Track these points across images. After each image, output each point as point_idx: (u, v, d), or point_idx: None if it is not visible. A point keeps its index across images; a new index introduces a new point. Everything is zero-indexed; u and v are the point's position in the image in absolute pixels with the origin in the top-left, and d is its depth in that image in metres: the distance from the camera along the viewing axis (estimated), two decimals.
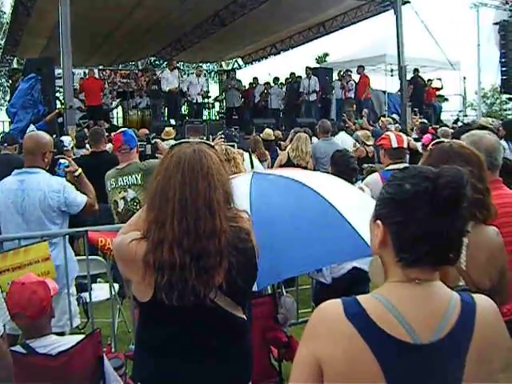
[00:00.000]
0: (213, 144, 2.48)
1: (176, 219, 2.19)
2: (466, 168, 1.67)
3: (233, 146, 4.68)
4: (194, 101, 18.22)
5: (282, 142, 11.67)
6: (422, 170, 1.63)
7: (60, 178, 4.87)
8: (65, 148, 8.19)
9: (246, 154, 6.19)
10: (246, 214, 2.43)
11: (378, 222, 1.67)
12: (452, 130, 10.85)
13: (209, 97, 20.14)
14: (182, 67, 27.80)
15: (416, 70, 19.09)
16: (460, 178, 1.56)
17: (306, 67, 19.29)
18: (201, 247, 2.19)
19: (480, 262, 2.46)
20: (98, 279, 6.16)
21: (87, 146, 9.43)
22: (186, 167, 2.23)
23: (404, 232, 1.60)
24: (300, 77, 19.45)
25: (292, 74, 20.02)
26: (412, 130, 13.37)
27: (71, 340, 3.19)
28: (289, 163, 8.55)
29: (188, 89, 18.19)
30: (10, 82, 19.15)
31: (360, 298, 1.63)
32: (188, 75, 24.85)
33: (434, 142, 2.97)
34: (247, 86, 21.14)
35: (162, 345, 2.33)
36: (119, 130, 5.99)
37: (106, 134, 11.86)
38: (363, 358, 1.54)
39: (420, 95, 18.95)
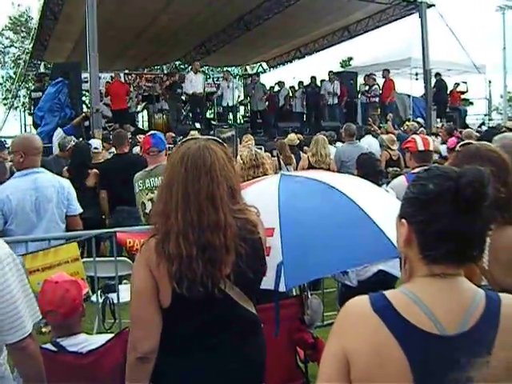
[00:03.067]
0: (221, 140, 2.51)
1: (180, 212, 2.26)
2: (488, 168, 1.68)
3: (260, 149, 4.68)
4: (226, 104, 18.56)
5: (306, 147, 11.62)
6: (444, 170, 1.67)
7: (63, 178, 5.30)
8: (96, 150, 8.30)
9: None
10: (254, 209, 2.48)
11: (403, 220, 1.71)
12: (477, 134, 10.80)
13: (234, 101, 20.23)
14: (206, 71, 27.95)
15: (438, 74, 18.93)
16: (482, 177, 1.59)
17: (329, 71, 19.27)
18: (206, 240, 2.25)
19: (502, 261, 2.47)
20: (124, 280, 6.21)
21: (112, 149, 9.54)
22: (189, 163, 2.30)
23: (427, 230, 1.63)
24: (323, 80, 19.37)
25: (312, 77, 20.00)
26: (436, 135, 13.25)
27: (101, 339, 3.22)
28: (310, 168, 8.53)
29: (222, 94, 18.54)
30: (33, 87, 19.48)
31: (386, 292, 1.68)
32: (213, 79, 25.01)
33: (462, 143, 2.96)
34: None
35: (173, 343, 2.35)
36: (149, 133, 6.06)
37: (131, 136, 12.08)
38: (390, 350, 1.57)
39: (444, 98, 18.80)
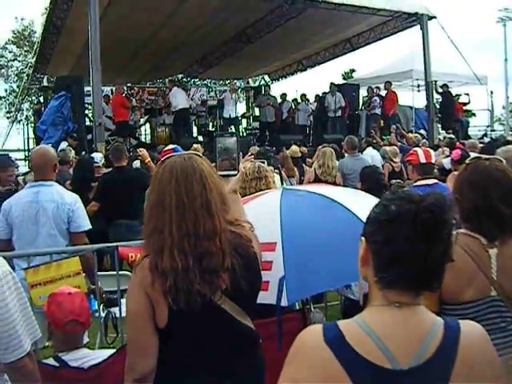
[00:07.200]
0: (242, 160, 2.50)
1: (175, 225, 2.24)
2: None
3: (263, 163, 4.64)
4: (228, 116, 18.37)
5: (309, 159, 11.63)
6: (409, 194, 1.63)
7: (73, 194, 5.09)
8: (96, 164, 8.29)
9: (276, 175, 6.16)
10: (247, 224, 2.47)
11: (362, 238, 1.68)
12: (481, 145, 10.79)
13: (236, 113, 20.18)
14: (209, 84, 28.03)
15: (445, 86, 18.94)
16: (442, 203, 1.56)
17: (330, 83, 19.24)
18: (202, 248, 2.24)
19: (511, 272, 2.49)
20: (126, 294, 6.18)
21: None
22: (180, 173, 2.29)
23: (382, 251, 1.60)
24: (326, 92, 19.35)
25: (317, 95, 20.15)
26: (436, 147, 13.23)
27: (103, 354, 3.21)
28: (316, 180, 8.52)
29: (223, 105, 18.43)
30: (35, 103, 19.58)
31: (340, 322, 1.62)
32: (215, 92, 25.03)
33: (472, 157, 2.98)
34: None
35: (170, 361, 2.32)
36: (169, 147, 6.08)
37: (133, 150, 12.05)
38: None
39: (450, 110, 18.79)
